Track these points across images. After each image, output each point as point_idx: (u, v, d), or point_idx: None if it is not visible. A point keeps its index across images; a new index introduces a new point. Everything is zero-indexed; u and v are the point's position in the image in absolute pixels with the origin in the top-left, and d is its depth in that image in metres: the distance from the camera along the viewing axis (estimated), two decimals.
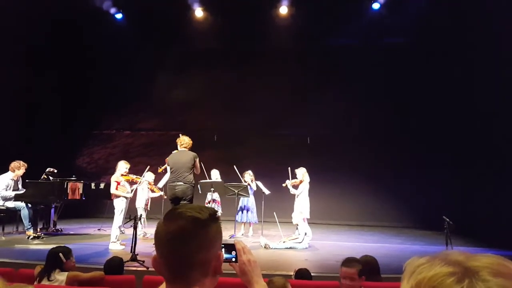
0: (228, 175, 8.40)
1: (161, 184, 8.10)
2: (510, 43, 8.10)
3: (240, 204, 8.32)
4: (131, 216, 5.79)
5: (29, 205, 7.27)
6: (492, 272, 0.60)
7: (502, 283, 0.59)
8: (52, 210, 8.17)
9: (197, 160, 6.39)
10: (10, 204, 7.23)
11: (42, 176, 7.81)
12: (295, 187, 7.64)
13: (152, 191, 8.42)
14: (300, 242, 6.99)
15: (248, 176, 8.29)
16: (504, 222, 7.72)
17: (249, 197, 8.16)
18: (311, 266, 5.15)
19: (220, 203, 8.34)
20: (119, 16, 11.06)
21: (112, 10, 10.87)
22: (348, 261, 3.03)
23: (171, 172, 6.40)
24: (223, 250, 1.12)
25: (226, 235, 7.66)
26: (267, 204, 8.17)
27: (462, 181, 9.63)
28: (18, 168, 7.42)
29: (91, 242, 7.24)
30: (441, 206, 9.04)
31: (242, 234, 8.29)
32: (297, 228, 7.29)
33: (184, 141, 6.51)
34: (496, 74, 8.60)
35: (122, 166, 7.13)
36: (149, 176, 8.13)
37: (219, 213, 7.42)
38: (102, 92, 11.63)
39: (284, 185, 7.71)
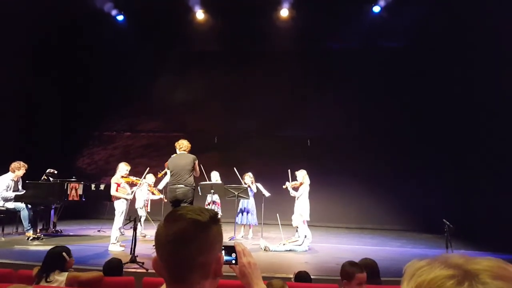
0: (228, 177, 8.40)
1: (161, 186, 8.11)
2: (510, 43, 8.12)
3: (240, 206, 8.32)
4: (131, 218, 5.79)
5: (29, 206, 7.27)
6: (492, 275, 0.60)
7: (501, 286, 0.59)
8: (52, 211, 8.17)
9: (197, 162, 6.42)
10: (10, 205, 7.23)
11: (42, 177, 7.81)
12: (295, 189, 7.64)
13: (153, 193, 8.42)
14: (300, 245, 6.98)
15: (248, 178, 8.29)
16: (505, 225, 7.70)
17: (249, 199, 8.15)
18: (311, 268, 5.14)
19: (220, 205, 8.34)
20: (120, 18, 11.09)
21: (114, 12, 10.90)
22: (358, 267, 3.01)
23: (171, 175, 6.42)
24: (223, 252, 1.12)
25: (226, 237, 7.65)
26: (267, 206, 8.17)
27: (462, 184, 9.62)
28: (18, 169, 7.42)
29: (90, 244, 7.23)
30: (441, 209, 9.05)
31: (242, 236, 8.28)
32: (297, 231, 7.28)
33: (183, 144, 6.55)
34: (497, 75, 8.60)
35: (123, 168, 7.13)
36: (149, 178, 8.14)
37: (219, 215, 7.42)
38: (103, 93, 11.65)
39: (284, 187, 7.71)
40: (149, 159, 10.94)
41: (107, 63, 11.39)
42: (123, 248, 6.53)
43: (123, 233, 7.70)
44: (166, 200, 7.23)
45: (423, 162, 10.37)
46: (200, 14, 10.90)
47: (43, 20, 9.64)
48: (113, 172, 7.41)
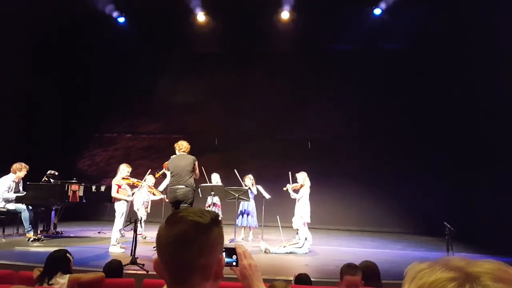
0: (229, 179, 8.39)
1: (161, 187, 8.11)
2: (511, 43, 8.12)
3: (241, 208, 8.31)
4: (132, 219, 5.79)
5: (30, 207, 7.27)
6: (493, 277, 0.60)
7: None
8: (53, 213, 8.17)
9: (197, 163, 6.43)
10: (11, 206, 7.23)
11: (43, 179, 7.82)
12: (296, 191, 7.63)
13: (153, 194, 8.42)
14: (300, 247, 6.97)
15: (249, 180, 8.29)
16: (506, 227, 7.69)
17: (249, 201, 8.15)
18: (311, 271, 5.13)
19: (220, 207, 8.33)
20: (121, 19, 11.12)
21: (115, 14, 10.93)
22: (352, 268, 2.98)
23: (171, 176, 6.42)
24: (224, 254, 1.12)
25: (226, 239, 7.64)
26: (268, 208, 8.16)
27: (463, 186, 9.61)
28: (19, 170, 7.42)
29: (91, 245, 7.22)
30: (442, 211, 9.02)
31: (242, 239, 8.27)
32: (297, 233, 7.27)
33: (182, 145, 6.56)
34: (497, 75, 8.62)
35: (124, 169, 7.13)
36: (149, 179, 8.13)
37: (220, 217, 7.42)
38: (103, 94, 11.66)
39: (285, 189, 7.70)
40: (150, 160, 10.93)
41: (107, 64, 11.41)
42: (123, 250, 6.53)
43: (123, 234, 7.69)
44: (167, 200, 7.22)
45: (423, 164, 10.36)
46: (201, 16, 10.92)
47: (43, 20, 9.66)
48: (113, 173, 7.42)
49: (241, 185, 8.06)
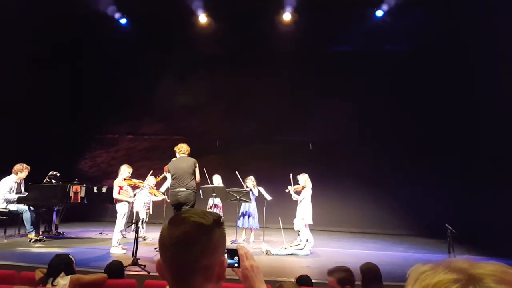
0: (230, 181, 8.39)
1: (163, 189, 8.11)
2: (511, 44, 8.13)
3: (242, 209, 8.30)
4: (133, 220, 5.79)
5: (32, 208, 7.28)
6: (496, 279, 0.60)
7: None
8: (54, 214, 8.19)
9: (197, 166, 6.42)
10: (13, 207, 7.25)
11: (45, 179, 7.84)
12: (298, 193, 7.63)
13: (154, 195, 8.41)
14: (301, 249, 6.97)
15: (250, 181, 8.29)
16: (509, 229, 7.66)
17: (250, 202, 8.14)
18: (313, 272, 5.13)
19: (221, 208, 8.32)
20: (123, 21, 11.15)
21: (117, 15, 10.96)
22: (330, 271, 3.12)
23: (173, 179, 6.41)
24: (226, 255, 1.12)
25: (228, 240, 7.56)
26: (269, 210, 8.16)
27: (465, 188, 9.58)
28: (21, 171, 7.44)
29: (92, 246, 7.23)
30: (444, 214, 9.02)
31: (244, 240, 8.27)
32: (298, 235, 7.27)
33: (182, 147, 6.56)
34: (498, 76, 8.61)
35: (125, 170, 7.14)
36: (150, 180, 8.11)
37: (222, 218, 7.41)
38: (105, 96, 11.69)
39: (287, 191, 7.71)
40: (151, 162, 10.94)
41: (109, 65, 11.43)
42: (124, 251, 6.54)
43: (125, 235, 7.69)
44: (168, 201, 7.22)
45: (425, 166, 10.34)
46: (202, 17, 10.94)
47: (45, 21, 9.68)
48: (115, 175, 7.42)
49: (242, 187, 8.06)
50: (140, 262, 5.25)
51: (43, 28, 9.77)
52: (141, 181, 7.50)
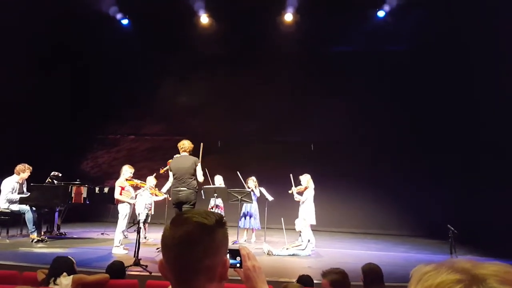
0: (232, 181, 8.39)
1: (164, 189, 8.09)
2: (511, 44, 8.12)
3: (243, 210, 8.30)
4: (135, 221, 5.80)
5: (34, 208, 7.29)
6: (499, 279, 0.60)
7: None
8: (56, 214, 8.20)
9: (199, 165, 6.32)
10: (15, 207, 7.27)
11: (47, 180, 7.85)
12: (300, 193, 7.63)
13: (155, 195, 8.41)
14: (303, 249, 6.97)
15: (252, 182, 8.29)
16: (508, 230, 7.64)
17: (252, 203, 8.14)
18: (314, 273, 5.10)
19: (223, 208, 8.33)
20: (125, 21, 11.17)
21: (118, 16, 10.98)
22: (324, 273, 3.16)
23: (174, 178, 6.39)
24: (228, 255, 1.12)
25: (229, 241, 7.62)
26: (270, 210, 8.16)
27: (465, 188, 9.57)
28: (23, 171, 7.46)
29: (94, 246, 7.24)
30: (444, 214, 9.01)
31: (245, 240, 8.27)
32: (300, 235, 7.26)
33: (184, 145, 6.42)
34: (498, 77, 8.59)
35: (127, 171, 7.15)
36: (150, 180, 8.09)
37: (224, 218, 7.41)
38: (107, 96, 11.71)
39: (290, 192, 7.71)
40: (153, 162, 10.95)
41: (111, 66, 11.45)
42: (126, 251, 6.54)
43: (126, 236, 7.70)
44: (170, 199, 7.19)
45: (426, 166, 10.33)
46: (204, 18, 10.95)
47: (46, 21, 9.69)
48: (116, 175, 7.43)
49: (244, 187, 8.07)
50: (141, 262, 5.25)
51: (44, 28, 9.78)
52: (143, 182, 7.51)
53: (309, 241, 7.03)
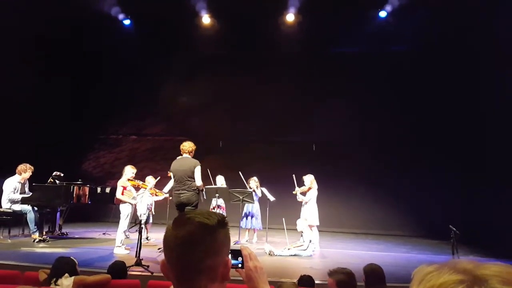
0: (234, 181, 8.39)
1: (166, 189, 8.09)
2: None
3: (245, 210, 8.30)
4: (137, 221, 5.81)
5: (35, 208, 7.31)
6: (502, 280, 0.60)
7: None
8: (58, 214, 8.22)
9: (199, 168, 6.17)
10: (17, 207, 7.29)
11: (49, 180, 7.87)
12: (303, 194, 7.62)
13: (156, 195, 8.40)
14: (304, 250, 6.96)
15: (254, 182, 8.29)
16: (509, 230, 7.62)
17: (254, 203, 8.14)
18: (316, 273, 5.12)
19: (225, 209, 8.34)
20: (127, 22, 11.19)
21: (120, 16, 10.99)
22: (331, 272, 3.14)
23: (174, 181, 6.35)
24: (229, 256, 1.12)
25: (231, 241, 7.63)
26: (272, 210, 8.15)
27: (465, 188, 9.56)
28: (24, 171, 7.48)
29: (96, 246, 7.25)
30: (446, 215, 8.98)
31: (247, 241, 8.27)
32: (301, 235, 7.26)
33: (184, 146, 6.30)
34: (499, 77, 8.58)
35: (129, 171, 7.16)
36: (151, 181, 8.06)
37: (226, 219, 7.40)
38: (108, 96, 11.73)
39: (294, 192, 7.71)
40: (155, 162, 10.98)
41: (113, 66, 11.48)
42: (128, 251, 6.55)
43: (128, 236, 7.72)
44: (171, 198, 7.18)
45: (428, 167, 10.33)
46: (206, 18, 10.95)
47: (48, 22, 9.71)
48: (119, 175, 7.44)
49: (245, 187, 8.06)
50: (143, 262, 5.26)
51: (46, 30, 9.80)
52: (144, 183, 7.50)
53: (310, 241, 7.03)
